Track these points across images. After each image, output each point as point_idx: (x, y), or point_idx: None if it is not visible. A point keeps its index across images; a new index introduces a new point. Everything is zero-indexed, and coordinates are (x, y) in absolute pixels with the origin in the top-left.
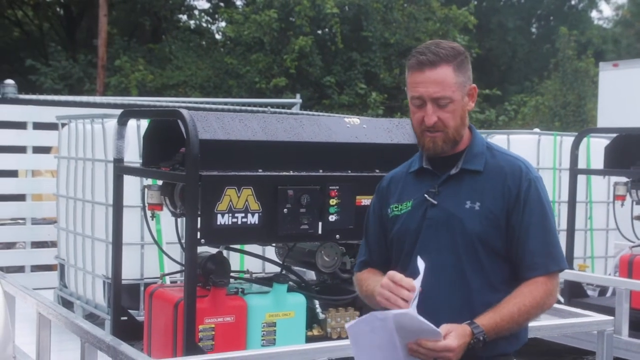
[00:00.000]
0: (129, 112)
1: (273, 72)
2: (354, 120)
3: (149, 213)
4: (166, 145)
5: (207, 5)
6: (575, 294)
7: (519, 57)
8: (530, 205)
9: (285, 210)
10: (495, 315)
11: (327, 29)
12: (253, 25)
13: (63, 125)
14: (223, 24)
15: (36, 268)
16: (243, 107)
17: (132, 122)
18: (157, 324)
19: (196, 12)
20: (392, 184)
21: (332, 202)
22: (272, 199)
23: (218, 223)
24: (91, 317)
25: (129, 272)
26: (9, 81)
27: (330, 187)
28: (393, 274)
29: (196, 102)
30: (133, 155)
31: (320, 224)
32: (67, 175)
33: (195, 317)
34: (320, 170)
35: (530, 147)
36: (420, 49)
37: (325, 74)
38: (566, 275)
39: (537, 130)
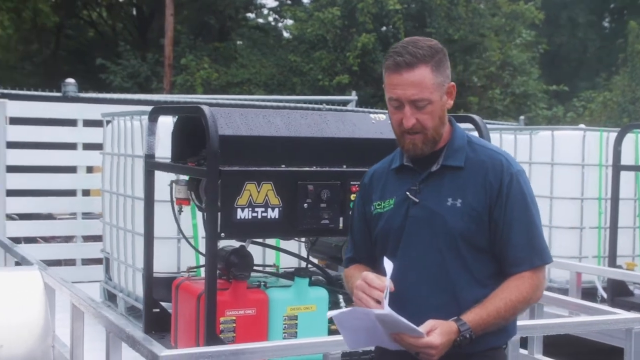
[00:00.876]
0: (158, 109)
1: (336, 70)
2: (380, 116)
3: (176, 207)
4: (194, 141)
5: (275, 4)
6: (619, 292)
7: (590, 53)
8: (512, 200)
9: (305, 205)
10: (481, 311)
11: (390, 26)
12: (316, 22)
13: (107, 122)
14: (290, 21)
15: (88, 261)
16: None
17: (167, 119)
18: (182, 316)
19: (265, 10)
20: (375, 180)
21: (353, 197)
22: (292, 194)
23: (238, 217)
24: (133, 310)
25: (166, 265)
26: (70, 80)
27: (352, 183)
28: (366, 275)
29: (258, 100)
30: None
31: (341, 219)
32: (111, 171)
33: (215, 309)
34: (344, 166)
35: (575, 143)
36: (397, 48)
37: None
38: (608, 273)
39: (582, 126)
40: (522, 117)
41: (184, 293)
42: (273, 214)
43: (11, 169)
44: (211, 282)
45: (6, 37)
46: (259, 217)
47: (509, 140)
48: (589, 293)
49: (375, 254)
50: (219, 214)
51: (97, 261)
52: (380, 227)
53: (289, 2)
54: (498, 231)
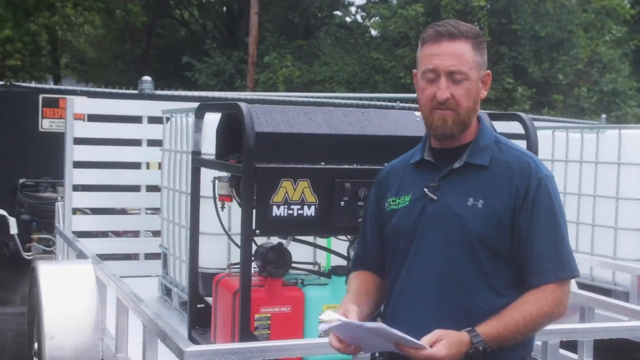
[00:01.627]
0: (204, 106)
1: None
2: (418, 113)
3: (219, 204)
4: (237, 139)
5: (363, 1)
6: None
7: None
8: (539, 206)
9: (342, 203)
10: (498, 324)
11: (474, 23)
12: (400, 20)
13: (167, 119)
14: (377, 19)
15: (151, 255)
16: (372, 103)
17: (216, 116)
18: (220, 312)
19: (353, 8)
20: (391, 176)
21: None
22: (329, 191)
23: (273, 214)
24: (186, 305)
25: (216, 262)
26: (146, 78)
27: None
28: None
29: (338, 97)
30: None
31: None
32: (168, 167)
33: (249, 306)
34: (384, 164)
35: None
36: (438, 23)
37: None
38: None
39: None
40: (604, 116)
41: (222, 289)
42: (309, 211)
43: (78, 164)
44: (245, 279)
45: (100, 36)
46: (295, 214)
47: (575, 139)
48: None
49: (384, 254)
50: (254, 210)
51: (159, 256)
52: (393, 225)
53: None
54: (522, 238)
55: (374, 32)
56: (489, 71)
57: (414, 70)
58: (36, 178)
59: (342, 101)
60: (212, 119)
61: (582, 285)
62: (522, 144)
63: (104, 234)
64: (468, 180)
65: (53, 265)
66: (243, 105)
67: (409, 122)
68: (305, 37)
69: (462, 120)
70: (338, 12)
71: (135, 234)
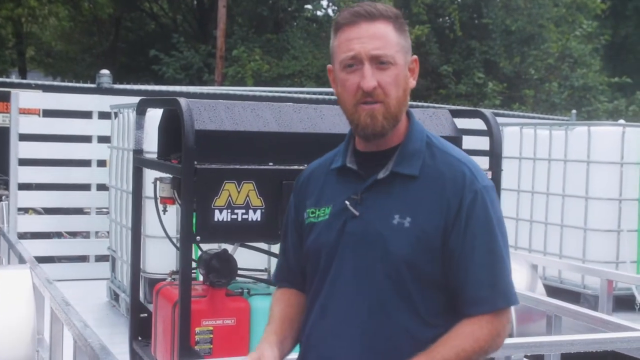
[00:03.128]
0: (146, 101)
1: None
2: None
3: (160, 207)
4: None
5: None
6: None
7: None
8: (473, 224)
9: None
10: None
11: (445, 17)
12: None
13: (115, 114)
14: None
15: (100, 258)
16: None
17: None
18: (160, 323)
19: (324, 2)
20: (312, 181)
21: None
22: (277, 194)
23: (215, 219)
24: None
25: (164, 267)
26: (104, 71)
27: None
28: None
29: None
30: None
31: None
32: (116, 165)
33: (189, 319)
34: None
35: (614, 140)
36: (352, 6)
37: (442, 62)
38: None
39: (622, 121)
40: (574, 111)
41: (162, 299)
42: (255, 216)
43: (26, 162)
44: (185, 290)
45: (67, 29)
46: (239, 219)
47: (543, 136)
48: (624, 300)
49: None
50: (195, 215)
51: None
52: (311, 241)
53: None
54: (454, 262)
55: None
56: (415, 56)
57: (328, 66)
58: None
59: (311, 96)
60: (156, 116)
61: (550, 288)
62: (485, 142)
63: (58, 235)
64: (395, 193)
65: None
66: (182, 100)
67: None
68: (275, 30)
69: (393, 114)
70: (308, 6)
71: (88, 235)
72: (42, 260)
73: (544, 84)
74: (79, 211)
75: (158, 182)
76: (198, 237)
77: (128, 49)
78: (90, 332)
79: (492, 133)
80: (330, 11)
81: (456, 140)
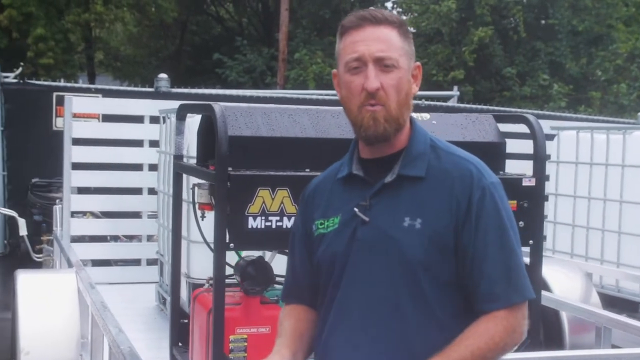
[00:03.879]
0: (186, 106)
1: (451, 64)
2: (424, 115)
3: (199, 212)
4: None
5: None
6: None
7: None
8: (485, 220)
9: None
10: None
11: (509, 18)
12: (432, 15)
13: (164, 119)
14: (415, 14)
15: (152, 261)
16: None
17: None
18: (197, 330)
19: (389, 4)
20: (318, 194)
21: None
22: None
23: (249, 227)
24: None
25: (209, 272)
26: (162, 75)
27: None
28: None
29: None
30: None
31: None
32: (164, 169)
33: (222, 327)
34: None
35: None
36: (357, 11)
37: (506, 64)
38: None
39: None
40: None
41: (199, 306)
42: (289, 223)
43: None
44: (218, 297)
45: (134, 33)
46: (273, 226)
47: (600, 141)
48: None
49: (316, 283)
50: (228, 222)
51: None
52: (321, 252)
53: None
54: (467, 260)
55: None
56: (418, 63)
57: (333, 71)
58: (49, 178)
59: None
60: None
61: (607, 297)
62: (529, 146)
63: (115, 238)
64: (403, 195)
65: (32, 275)
66: (216, 106)
67: None
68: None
69: (395, 117)
70: (372, 9)
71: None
72: (99, 263)
73: (612, 86)
74: (132, 215)
75: (196, 187)
76: (231, 245)
77: (193, 52)
78: (124, 338)
79: (536, 138)
80: (394, 13)
81: (500, 146)
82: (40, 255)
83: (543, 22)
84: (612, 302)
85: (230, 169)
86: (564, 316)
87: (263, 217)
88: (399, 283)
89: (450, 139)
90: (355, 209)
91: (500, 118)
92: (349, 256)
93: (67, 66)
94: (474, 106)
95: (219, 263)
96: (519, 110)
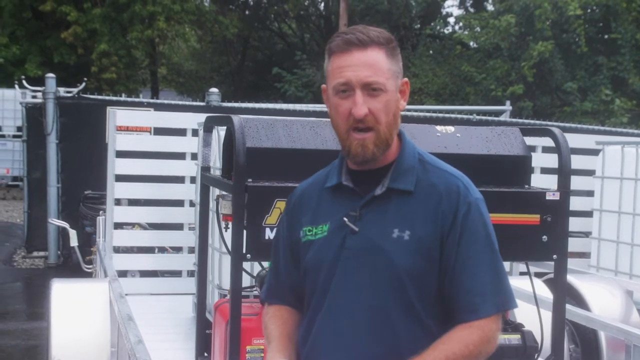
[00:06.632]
0: (213, 119)
1: (510, 79)
2: (448, 128)
3: (223, 224)
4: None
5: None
6: None
7: None
8: (468, 234)
9: None
10: None
11: (570, 32)
12: (492, 30)
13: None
14: (477, 29)
15: (192, 273)
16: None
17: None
18: (217, 340)
19: (451, 19)
20: (305, 199)
21: None
22: None
23: (266, 237)
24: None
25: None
26: (213, 90)
27: None
28: None
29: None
30: None
31: None
32: (201, 182)
33: (239, 337)
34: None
35: None
36: (344, 30)
37: (567, 79)
38: None
39: None
40: None
41: (218, 317)
42: None
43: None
44: (235, 308)
45: (198, 49)
46: None
47: (631, 154)
48: None
49: (299, 286)
50: (245, 233)
51: None
52: (309, 258)
53: (471, 9)
54: (449, 271)
55: (474, 45)
56: (406, 79)
57: (323, 86)
58: (101, 190)
59: (431, 114)
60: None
61: None
62: (583, 160)
63: (162, 250)
64: (392, 208)
65: (65, 284)
66: (235, 118)
67: (428, 138)
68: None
69: (384, 140)
70: (432, 23)
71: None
72: (146, 274)
73: None
74: (175, 227)
75: (220, 199)
76: (248, 255)
77: (255, 67)
78: (142, 348)
79: (561, 151)
80: (457, 27)
81: (524, 159)
82: (90, 266)
83: (605, 36)
84: None
85: (249, 180)
86: (602, 334)
87: None
88: (386, 290)
89: (474, 152)
90: (345, 219)
91: (527, 131)
92: (338, 264)
93: (129, 81)
94: (526, 121)
95: (236, 274)
96: (575, 125)
